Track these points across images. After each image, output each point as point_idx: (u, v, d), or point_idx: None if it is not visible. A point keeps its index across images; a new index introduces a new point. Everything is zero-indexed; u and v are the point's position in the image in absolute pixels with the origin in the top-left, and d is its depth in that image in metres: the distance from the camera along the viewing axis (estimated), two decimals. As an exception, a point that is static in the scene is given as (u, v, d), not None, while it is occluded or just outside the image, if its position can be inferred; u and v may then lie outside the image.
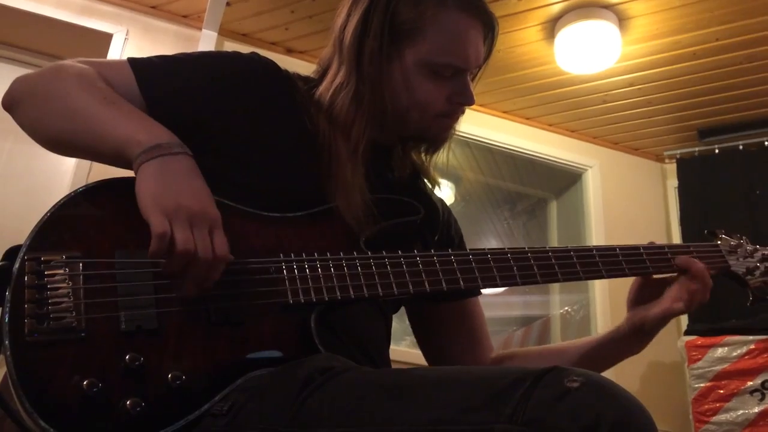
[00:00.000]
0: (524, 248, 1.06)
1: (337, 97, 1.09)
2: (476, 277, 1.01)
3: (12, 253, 0.82)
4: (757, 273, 1.25)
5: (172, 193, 0.85)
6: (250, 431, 0.76)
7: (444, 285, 0.99)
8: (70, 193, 0.89)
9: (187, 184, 0.87)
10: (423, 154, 1.22)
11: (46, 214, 0.85)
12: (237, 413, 0.78)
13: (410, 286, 0.97)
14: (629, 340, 1.14)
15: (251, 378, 0.83)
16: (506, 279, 1.03)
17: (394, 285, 0.96)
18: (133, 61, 1.03)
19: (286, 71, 1.14)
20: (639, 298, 1.14)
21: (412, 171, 1.21)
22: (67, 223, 0.86)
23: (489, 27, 1.14)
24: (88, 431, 0.74)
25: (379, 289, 0.95)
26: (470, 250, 1.04)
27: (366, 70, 1.08)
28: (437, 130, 1.15)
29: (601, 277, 1.10)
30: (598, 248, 1.11)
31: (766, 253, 1.29)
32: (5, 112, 1.02)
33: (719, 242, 1.26)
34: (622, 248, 1.13)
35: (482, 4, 1.12)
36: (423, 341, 1.25)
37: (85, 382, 0.74)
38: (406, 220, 1.08)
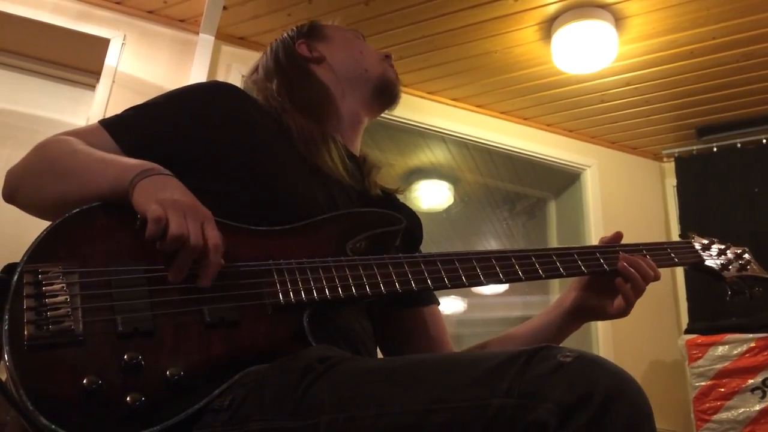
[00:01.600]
0: (506, 250, 1.12)
1: (283, 91, 1.29)
2: (460, 275, 1.05)
3: (10, 268, 0.85)
4: (732, 268, 1.32)
5: (166, 192, 0.91)
6: (252, 424, 0.78)
7: (430, 283, 1.03)
8: (65, 215, 0.93)
9: (179, 190, 0.94)
10: (370, 157, 1.36)
11: (42, 232, 0.89)
12: (238, 407, 0.80)
13: (397, 285, 1.00)
14: (573, 321, 1.20)
15: (249, 372, 0.85)
16: (490, 277, 1.08)
17: (381, 284, 0.99)
18: (104, 122, 1.11)
19: (244, 91, 1.25)
20: (590, 284, 1.19)
21: (382, 189, 1.31)
22: (63, 239, 0.90)
23: None
24: (90, 426, 0.76)
25: (368, 289, 0.98)
26: (454, 252, 1.09)
27: (298, 66, 1.34)
28: (389, 72, 1.38)
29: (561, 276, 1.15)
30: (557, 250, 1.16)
31: (738, 251, 1.36)
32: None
33: (692, 240, 1.34)
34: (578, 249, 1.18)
35: None
36: (386, 347, 1.29)
37: (85, 380, 0.76)
38: (389, 230, 1.12)
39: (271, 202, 1.08)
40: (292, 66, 1.34)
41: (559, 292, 3.95)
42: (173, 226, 0.86)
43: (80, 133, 1.09)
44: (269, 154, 1.14)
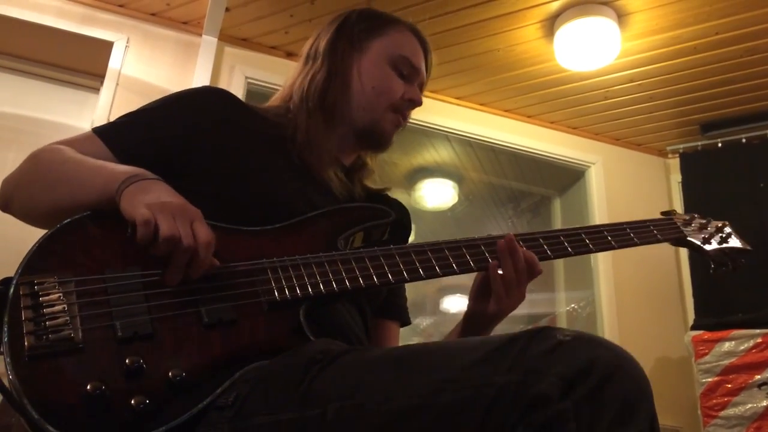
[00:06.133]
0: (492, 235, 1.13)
1: (313, 81, 1.27)
2: (450, 263, 1.07)
3: (5, 281, 0.86)
4: (714, 242, 1.37)
5: (153, 195, 0.93)
6: (258, 418, 0.79)
7: (422, 273, 1.05)
8: (56, 225, 0.93)
9: (166, 192, 0.95)
10: (368, 160, 1.35)
11: (34, 245, 0.90)
12: (243, 403, 0.81)
13: (389, 276, 1.02)
14: (473, 332, 1.18)
15: (250, 369, 0.86)
16: (480, 263, 1.10)
17: (374, 276, 1.01)
18: (98, 130, 1.13)
19: (236, 97, 1.26)
20: (481, 291, 1.16)
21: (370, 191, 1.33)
22: (56, 250, 0.91)
23: (427, 51, 1.37)
24: (96, 431, 0.76)
25: (361, 281, 1.00)
26: (443, 240, 1.11)
27: (339, 61, 1.28)
28: (387, 123, 1.29)
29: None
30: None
31: (719, 224, 1.42)
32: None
33: (673, 216, 1.39)
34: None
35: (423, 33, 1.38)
36: None
37: (88, 386, 0.76)
38: (378, 223, 1.15)
39: (260, 203, 1.10)
40: (345, 55, 1.30)
41: (564, 290, 3.95)
42: (163, 228, 0.87)
43: (73, 142, 1.10)
44: (258, 158, 1.16)
